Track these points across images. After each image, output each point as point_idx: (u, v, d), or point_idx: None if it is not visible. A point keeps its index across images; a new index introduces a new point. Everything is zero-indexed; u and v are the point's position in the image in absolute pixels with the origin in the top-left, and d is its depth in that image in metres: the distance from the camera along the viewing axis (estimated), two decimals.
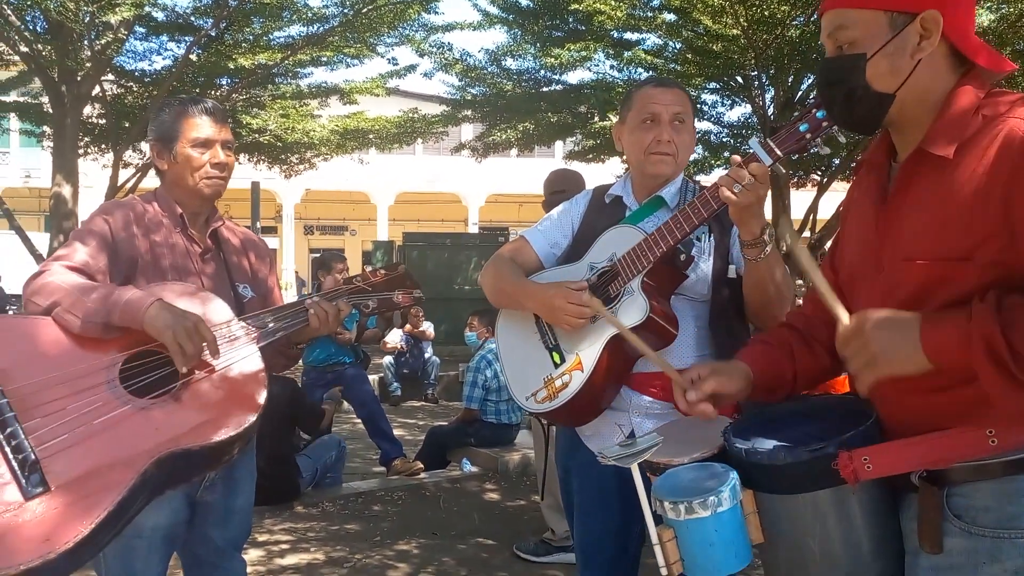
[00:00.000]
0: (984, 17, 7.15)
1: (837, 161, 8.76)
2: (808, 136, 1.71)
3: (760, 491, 1.33)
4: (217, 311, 1.94)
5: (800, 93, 8.54)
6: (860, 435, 1.29)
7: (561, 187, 3.88)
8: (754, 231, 1.81)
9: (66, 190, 8.52)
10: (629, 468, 1.39)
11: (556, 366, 2.02)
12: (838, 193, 11.16)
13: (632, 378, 2.02)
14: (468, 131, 16.58)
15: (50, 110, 8.93)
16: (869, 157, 1.49)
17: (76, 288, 1.85)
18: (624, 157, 2.20)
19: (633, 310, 1.92)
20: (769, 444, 1.34)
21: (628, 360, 1.99)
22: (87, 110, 9.27)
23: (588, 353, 1.96)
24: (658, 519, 1.36)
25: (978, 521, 1.25)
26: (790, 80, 8.39)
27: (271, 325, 1.99)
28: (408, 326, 9.68)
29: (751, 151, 1.75)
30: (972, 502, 1.26)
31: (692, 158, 9.95)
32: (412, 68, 10.40)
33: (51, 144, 9.15)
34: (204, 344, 1.80)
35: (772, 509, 1.33)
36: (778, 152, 1.74)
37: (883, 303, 1.34)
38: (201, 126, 2.08)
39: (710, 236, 2.06)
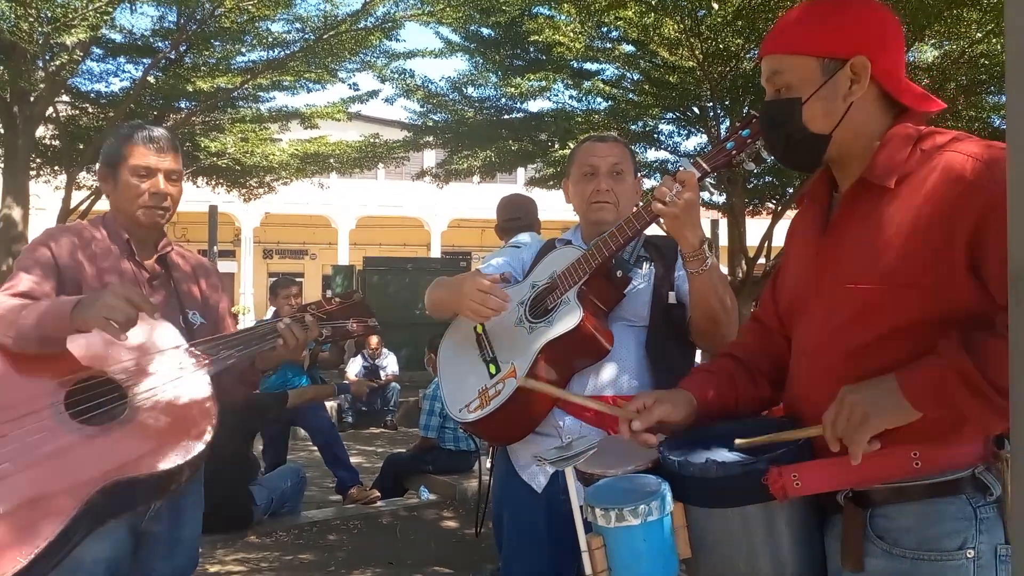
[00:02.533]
0: (928, 54, 7.43)
1: (791, 190, 8.96)
2: (734, 152, 1.81)
3: (691, 504, 1.36)
4: (165, 337, 1.92)
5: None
6: (791, 453, 1.33)
7: (514, 214, 3.91)
8: (692, 243, 1.86)
9: (16, 212, 8.33)
10: (561, 500, 1.40)
11: (491, 376, 2.06)
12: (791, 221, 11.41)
13: (568, 402, 2.02)
14: (431, 157, 16.62)
15: (1, 131, 8.75)
16: (811, 190, 1.55)
17: (10, 311, 1.83)
18: (573, 208, 2.30)
19: (567, 317, 1.97)
20: (702, 457, 1.36)
21: (563, 371, 2.01)
22: (40, 131, 9.10)
23: (523, 361, 1.99)
24: (588, 527, 1.38)
25: (899, 543, 1.29)
26: (744, 111, 8.59)
27: (223, 352, 1.97)
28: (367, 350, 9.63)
29: (682, 168, 1.83)
30: (894, 523, 1.30)
31: (649, 186, 10.14)
32: (374, 94, 10.41)
33: (1, 165, 8.96)
34: (134, 306, 1.75)
35: (701, 523, 1.36)
36: (706, 167, 1.84)
37: (822, 328, 1.40)
38: (144, 154, 2.06)
39: (652, 264, 2.12)
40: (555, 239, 2.33)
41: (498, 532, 2.31)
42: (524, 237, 2.41)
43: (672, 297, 2.08)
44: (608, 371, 2.04)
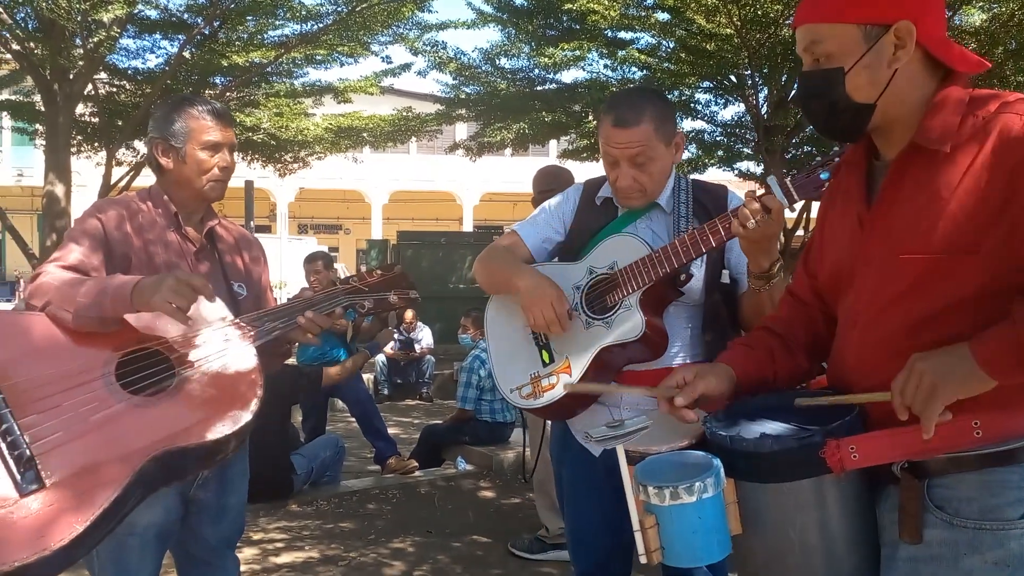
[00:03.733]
0: (976, 16, 7.19)
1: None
2: (828, 181, 1.65)
3: (742, 480, 1.34)
4: (211, 309, 1.94)
5: (793, 92, 8.55)
6: (846, 425, 1.31)
7: (550, 185, 3.87)
8: (762, 265, 1.80)
9: (59, 189, 8.49)
10: (616, 456, 1.39)
11: (544, 365, 2.04)
12: None
13: (624, 375, 2.02)
14: (463, 130, 16.59)
15: (42, 108, 8.89)
16: (848, 158, 1.51)
17: (67, 284, 1.85)
18: None
19: (628, 324, 1.94)
20: (755, 431, 1.35)
21: (616, 369, 2.01)
22: (80, 108, 9.22)
23: (578, 359, 1.97)
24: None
25: (960, 512, 1.27)
26: (783, 79, 8.41)
27: (267, 324, 1.99)
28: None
29: (767, 189, 1.68)
30: (954, 493, 1.28)
31: (685, 157, 9.99)
32: (406, 67, 10.39)
33: (43, 142, 9.11)
34: (197, 292, 1.79)
35: (753, 498, 1.34)
36: (795, 196, 1.67)
37: (873, 300, 1.36)
38: (212, 129, 2.09)
39: None
40: (595, 189, 2.19)
41: (559, 489, 2.33)
42: (553, 200, 2.30)
43: (725, 276, 2.04)
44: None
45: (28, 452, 1.64)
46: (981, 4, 7.02)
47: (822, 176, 1.66)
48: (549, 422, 2.40)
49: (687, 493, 1.28)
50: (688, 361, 2.02)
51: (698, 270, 2.04)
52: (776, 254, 1.81)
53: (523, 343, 2.11)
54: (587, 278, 2.05)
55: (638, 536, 1.33)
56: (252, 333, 1.94)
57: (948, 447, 1.27)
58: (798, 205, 1.87)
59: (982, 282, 1.24)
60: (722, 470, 1.32)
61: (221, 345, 1.88)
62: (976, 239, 1.24)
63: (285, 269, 14.15)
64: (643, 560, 1.34)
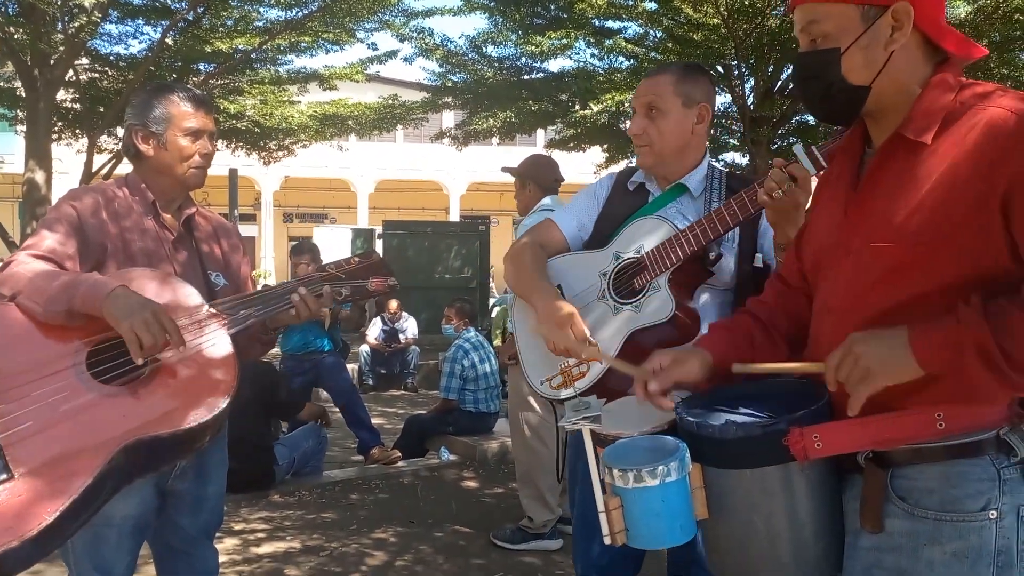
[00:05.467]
0: (960, 8, 7.21)
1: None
2: None
3: (708, 465, 1.34)
4: (187, 297, 1.91)
5: (780, 83, 8.58)
6: (811, 414, 1.31)
7: (530, 172, 3.83)
8: (789, 235, 1.76)
9: (39, 175, 8.39)
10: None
11: None
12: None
13: None
14: (449, 119, 16.50)
15: (22, 94, 8.78)
16: (843, 144, 1.50)
17: (39, 276, 1.82)
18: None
19: (657, 305, 1.91)
20: (721, 418, 1.35)
21: (647, 353, 1.97)
22: (61, 94, 9.11)
23: (608, 345, 1.93)
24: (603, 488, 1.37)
25: (921, 503, 1.27)
26: (770, 70, 8.42)
27: (243, 312, 1.96)
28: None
29: (794, 157, 1.65)
30: (916, 484, 1.28)
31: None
32: (392, 54, 10.32)
33: (24, 129, 8.99)
34: (167, 335, 1.75)
35: (719, 484, 1.34)
36: (823, 163, 1.62)
37: (850, 287, 1.36)
38: (193, 116, 2.07)
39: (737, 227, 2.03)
40: (627, 176, 2.19)
41: (572, 480, 2.31)
42: (589, 187, 2.28)
43: (759, 260, 2.01)
44: None
45: None
46: None
47: None
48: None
49: (650, 476, 1.28)
50: None
51: (729, 252, 2.01)
52: (802, 224, 1.78)
53: None
54: (613, 264, 2.02)
55: (602, 517, 1.34)
56: (227, 320, 1.91)
57: (911, 438, 1.27)
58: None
59: (953, 273, 1.24)
60: (688, 455, 1.32)
61: (196, 333, 1.85)
62: (950, 231, 1.23)
63: (268, 260, 14.03)
64: (607, 541, 1.34)
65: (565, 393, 2.01)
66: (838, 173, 1.48)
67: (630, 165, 2.25)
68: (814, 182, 1.64)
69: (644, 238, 1.98)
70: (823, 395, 1.34)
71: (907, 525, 1.28)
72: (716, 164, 2.15)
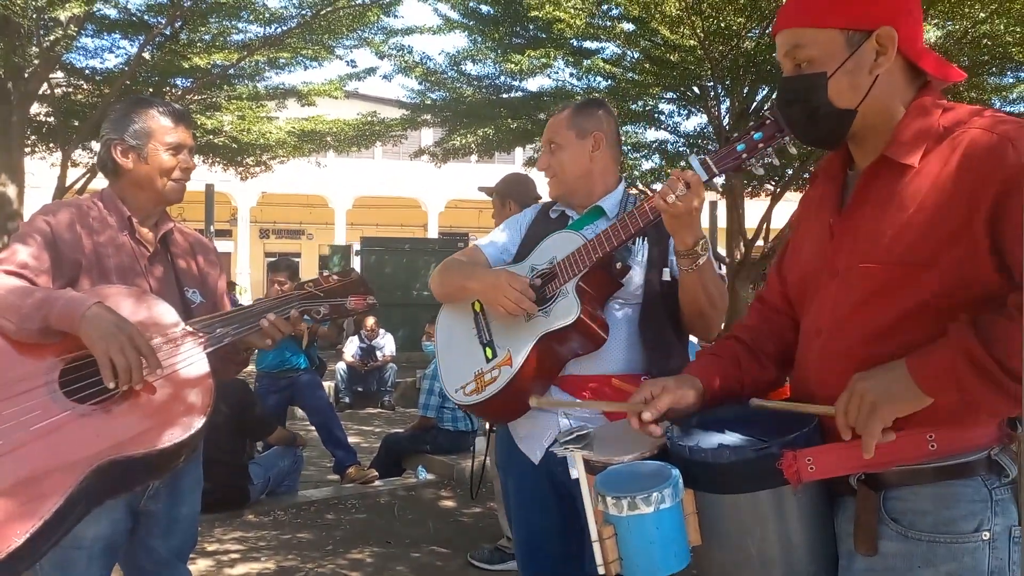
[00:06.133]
0: (931, 33, 7.37)
1: (790, 171, 8.93)
2: (744, 156, 1.78)
3: (701, 491, 1.34)
4: (163, 315, 1.89)
5: (755, 104, 8.69)
6: (803, 437, 1.31)
7: (509, 189, 3.84)
8: (687, 242, 1.86)
9: (11, 190, 8.27)
10: (566, 469, 1.38)
11: (487, 360, 2.07)
12: (791, 203, 11.38)
13: (564, 380, 2.05)
14: (428, 136, 16.53)
15: None
16: (825, 167, 1.51)
17: (11, 292, 1.79)
18: None
19: (565, 311, 1.98)
20: (713, 442, 1.34)
21: (558, 360, 2.04)
22: (35, 108, 9.01)
23: (518, 350, 2.00)
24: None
25: (915, 525, 1.28)
26: (745, 91, 8.53)
27: (219, 330, 1.94)
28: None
29: (690, 166, 1.81)
30: (909, 505, 1.29)
31: (648, 167, 10.05)
32: (371, 71, 10.34)
33: None
34: (141, 358, 1.73)
35: (712, 509, 1.33)
36: (715, 170, 1.81)
37: (836, 309, 1.37)
38: (174, 130, 2.06)
39: (644, 241, 2.12)
40: (550, 206, 2.32)
41: (506, 498, 2.36)
42: (515, 216, 2.41)
43: (667, 274, 2.08)
44: (601, 349, 2.03)
45: None
46: (936, 21, 7.19)
47: (738, 148, 1.77)
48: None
49: (644, 504, 1.26)
50: (626, 359, 2.05)
51: (638, 265, 2.09)
52: (699, 232, 1.87)
53: (467, 344, 2.15)
54: (530, 275, 2.10)
55: (596, 547, 1.31)
56: (204, 339, 1.89)
57: (903, 460, 1.28)
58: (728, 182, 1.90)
59: (938, 294, 1.25)
60: (680, 480, 1.31)
61: (172, 351, 1.83)
62: (934, 252, 1.24)
63: (244, 276, 13.85)
64: (601, 571, 1.32)
65: (475, 398, 2.06)
66: (821, 195, 1.48)
67: None
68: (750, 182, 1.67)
69: (557, 250, 2.09)
70: (813, 418, 1.34)
71: (901, 547, 1.28)
72: (632, 191, 2.26)
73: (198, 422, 1.77)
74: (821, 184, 1.51)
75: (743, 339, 1.61)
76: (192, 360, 1.84)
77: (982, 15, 6.85)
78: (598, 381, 2.02)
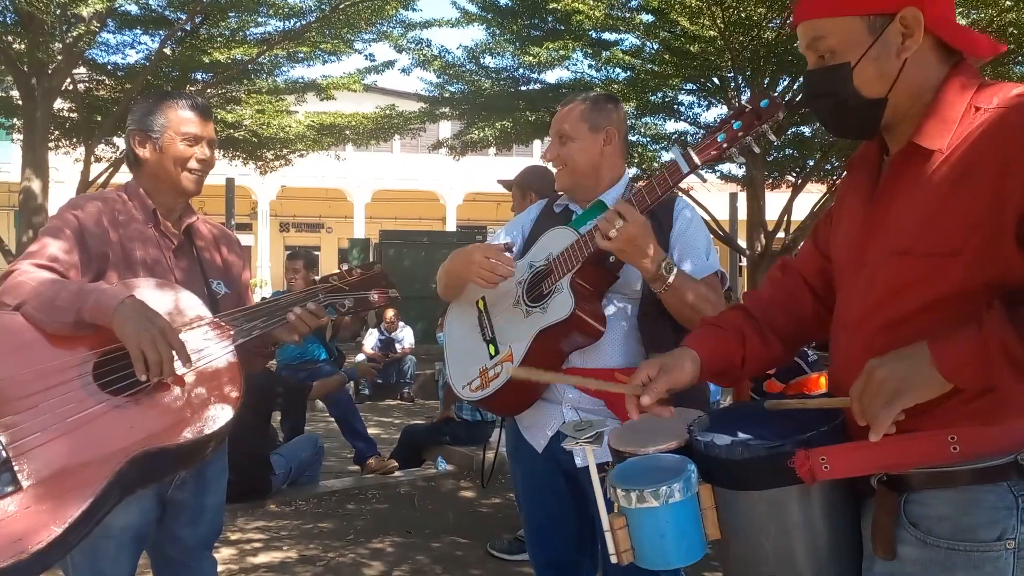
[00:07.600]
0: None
1: (811, 163, 8.86)
2: (725, 146, 1.80)
3: (718, 486, 1.32)
4: (190, 306, 1.92)
5: (776, 94, 8.62)
6: (822, 435, 1.27)
7: (529, 182, 3.86)
8: (648, 268, 1.88)
9: (36, 184, 8.39)
10: (571, 456, 1.38)
11: (491, 357, 2.11)
12: (812, 195, 11.28)
13: (568, 372, 2.06)
14: (446, 129, 16.54)
15: (20, 103, 8.78)
16: (861, 154, 1.45)
17: (44, 285, 1.81)
18: None
19: (559, 307, 2.00)
20: (727, 439, 1.32)
21: (558, 355, 2.06)
22: (58, 103, 9.13)
23: (518, 346, 2.04)
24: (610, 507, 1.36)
25: (933, 531, 1.22)
26: (766, 82, 8.47)
27: (247, 324, 1.97)
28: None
29: (671, 158, 1.82)
30: (929, 511, 1.23)
31: (667, 157, 9.99)
32: (390, 64, 10.37)
33: (21, 137, 8.99)
34: (172, 352, 1.76)
35: (728, 505, 1.32)
36: (696, 161, 1.83)
37: (863, 301, 1.32)
38: (192, 121, 2.07)
39: None
40: (554, 201, 2.33)
41: (515, 485, 2.42)
42: (522, 215, 2.43)
43: None
44: (599, 344, 2.06)
45: (4, 454, 1.61)
46: (960, 9, 7.10)
47: (719, 139, 1.77)
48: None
49: (653, 497, 1.26)
50: (624, 353, 2.06)
51: None
52: (658, 254, 1.88)
53: (473, 340, 2.19)
54: (528, 273, 2.14)
55: (608, 536, 1.33)
56: (231, 332, 1.92)
57: (922, 461, 1.22)
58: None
59: (960, 282, 1.20)
60: (694, 475, 1.30)
61: (200, 344, 1.86)
62: (962, 241, 1.19)
63: (264, 269, 13.91)
64: (613, 560, 1.33)
65: (481, 394, 2.10)
66: (857, 184, 1.43)
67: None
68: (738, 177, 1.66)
69: (553, 247, 2.11)
70: (838, 415, 1.31)
71: (919, 553, 1.23)
72: (636, 183, 2.24)
73: (226, 415, 1.80)
74: (857, 171, 1.44)
75: (751, 312, 1.55)
76: (221, 353, 1.87)
77: (1008, 3, 6.76)
78: (602, 375, 2.03)
